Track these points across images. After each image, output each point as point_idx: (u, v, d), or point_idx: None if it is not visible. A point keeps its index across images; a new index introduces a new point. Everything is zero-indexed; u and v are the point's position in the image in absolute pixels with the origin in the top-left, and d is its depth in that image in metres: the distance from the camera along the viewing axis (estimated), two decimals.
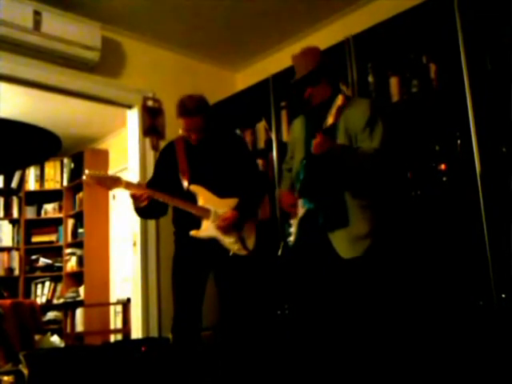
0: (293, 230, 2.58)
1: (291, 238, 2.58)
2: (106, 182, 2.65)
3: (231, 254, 2.73)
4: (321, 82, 2.59)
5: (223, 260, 2.75)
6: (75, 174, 6.09)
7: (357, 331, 2.38)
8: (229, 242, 2.73)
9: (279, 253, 2.55)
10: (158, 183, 2.79)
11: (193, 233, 2.70)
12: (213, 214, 2.73)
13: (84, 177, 2.64)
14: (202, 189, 2.76)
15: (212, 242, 2.73)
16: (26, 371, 2.53)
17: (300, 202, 2.57)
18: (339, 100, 2.35)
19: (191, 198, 2.75)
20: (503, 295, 2.46)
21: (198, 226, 2.73)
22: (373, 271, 2.41)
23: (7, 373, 2.65)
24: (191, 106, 2.72)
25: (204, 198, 2.75)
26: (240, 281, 2.79)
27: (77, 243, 5.99)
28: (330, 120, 2.36)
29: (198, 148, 2.84)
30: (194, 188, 2.76)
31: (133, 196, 2.65)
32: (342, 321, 2.43)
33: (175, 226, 2.89)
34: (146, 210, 2.72)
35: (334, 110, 2.35)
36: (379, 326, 2.39)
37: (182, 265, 2.79)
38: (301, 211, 2.56)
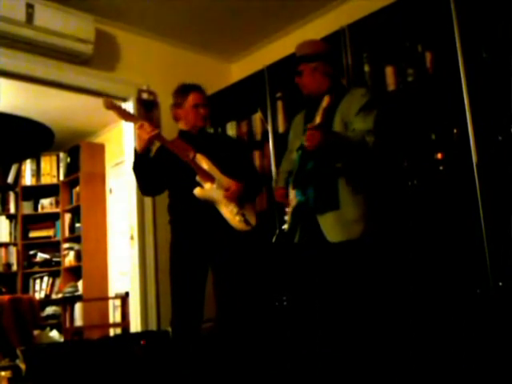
0: (287, 218, 2.59)
1: (285, 226, 2.59)
2: (123, 112, 2.72)
3: (231, 223, 2.69)
4: (307, 71, 2.61)
5: (221, 250, 2.74)
6: (71, 169, 6.08)
7: (349, 318, 2.38)
8: (230, 211, 2.70)
9: (273, 240, 2.55)
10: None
11: (197, 191, 2.67)
12: (217, 180, 2.72)
13: (103, 100, 2.64)
14: (208, 160, 2.75)
15: (210, 230, 2.71)
16: (23, 366, 2.53)
17: (292, 193, 2.57)
18: (324, 102, 2.35)
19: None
20: (500, 283, 2.46)
21: (194, 213, 2.72)
22: (364, 257, 2.41)
23: (4, 368, 2.65)
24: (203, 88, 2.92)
25: (209, 166, 2.75)
26: (238, 272, 2.77)
27: (74, 238, 5.98)
28: (318, 120, 2.36)
29: (198, 138, 2.85)
30: (200, 157, 2.74)
31: (141, 127, 2.64)
32: (332, 306, 2.43)
33: (171, 213, 2.86)
34: (146, 163, 2.78)
35: (320, 111, 2.35)
36: (371, 314, 2.39)
37: (180, 255, 2.77)
38: (293, 202, 2.56)
